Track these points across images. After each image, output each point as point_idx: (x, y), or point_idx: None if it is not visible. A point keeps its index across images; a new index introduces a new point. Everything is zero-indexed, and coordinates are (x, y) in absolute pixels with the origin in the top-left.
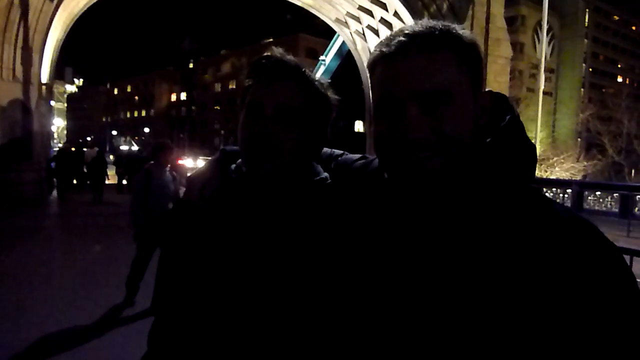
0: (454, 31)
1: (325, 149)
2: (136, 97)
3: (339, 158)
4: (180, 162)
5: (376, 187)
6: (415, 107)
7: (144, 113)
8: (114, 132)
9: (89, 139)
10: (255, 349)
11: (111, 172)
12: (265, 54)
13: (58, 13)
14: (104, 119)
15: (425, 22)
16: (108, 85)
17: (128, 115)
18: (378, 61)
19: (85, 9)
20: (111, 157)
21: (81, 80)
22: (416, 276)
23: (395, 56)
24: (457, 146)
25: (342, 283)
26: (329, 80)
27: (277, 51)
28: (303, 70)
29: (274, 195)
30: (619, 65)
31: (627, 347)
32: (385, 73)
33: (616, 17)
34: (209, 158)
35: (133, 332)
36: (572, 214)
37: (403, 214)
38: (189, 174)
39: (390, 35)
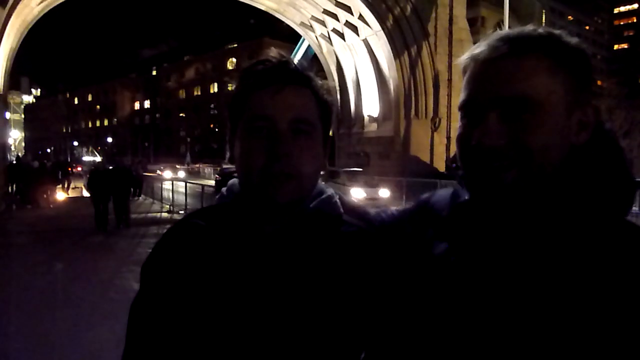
0: (555, 36)
1: None
2: (97, 106)
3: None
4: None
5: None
6: (495, 113)
7: (106, 122)
8: (75, 143)
9: (49, 150)
10: None
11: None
12: (263, 57)
13: (11, 21)
14: (64, 129)
15: (529, 27)
16: (67, 95)
17: (90, 124)
18: (469, 64)
19: (40, 16)
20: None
21: (39, 90)
22: (477, 297)
23: (483, 59)
24: (540, 161)
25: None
26: (331, 84)
27: (275, 52)
28: (311, 73)
29: (290, 227)
30: None
31: None
32: (471, 76)
33: (570, 18)
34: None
35: None
36: None
37: (478, 228)
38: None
39: (488, 37)
